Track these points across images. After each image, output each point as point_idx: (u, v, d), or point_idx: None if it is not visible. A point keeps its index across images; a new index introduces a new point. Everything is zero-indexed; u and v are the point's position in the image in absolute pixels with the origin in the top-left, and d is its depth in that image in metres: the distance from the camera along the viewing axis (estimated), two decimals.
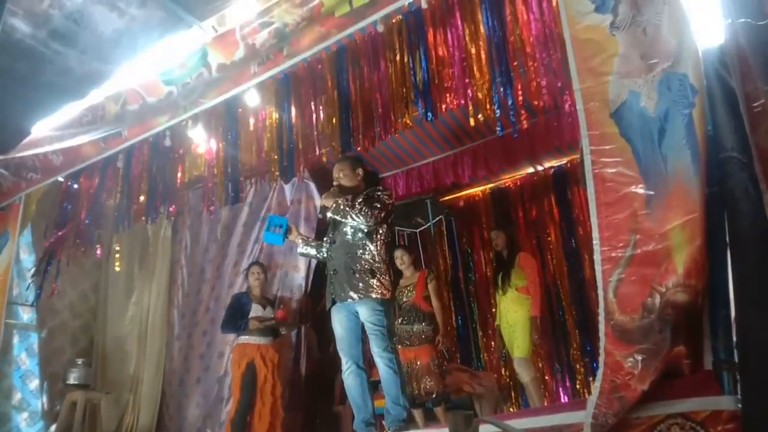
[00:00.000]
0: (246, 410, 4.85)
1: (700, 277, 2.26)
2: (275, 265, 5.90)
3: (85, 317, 6.51)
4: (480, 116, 3.68)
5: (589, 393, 2.43)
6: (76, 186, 5.57)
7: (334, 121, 4.21)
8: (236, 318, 5.02)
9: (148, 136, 4.71)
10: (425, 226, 6.65)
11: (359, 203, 3.55)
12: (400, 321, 5.00)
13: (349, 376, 3.60)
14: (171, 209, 5.27)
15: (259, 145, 4.64)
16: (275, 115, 4.54)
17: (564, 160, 6.11)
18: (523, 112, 3.68)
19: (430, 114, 3.79)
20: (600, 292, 2.41)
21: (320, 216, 5.89)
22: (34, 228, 5.84)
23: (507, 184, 6.62)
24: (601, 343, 2.38)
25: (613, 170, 2.46)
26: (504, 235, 5.25)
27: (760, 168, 2.20)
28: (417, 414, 4.90)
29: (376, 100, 4.06)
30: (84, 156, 5.00)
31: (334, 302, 3.63)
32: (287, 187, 6.06)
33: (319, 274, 5.99)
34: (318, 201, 5.95)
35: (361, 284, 3.49)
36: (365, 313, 3.51)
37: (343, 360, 3.65)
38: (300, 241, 4.03)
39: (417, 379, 4.78)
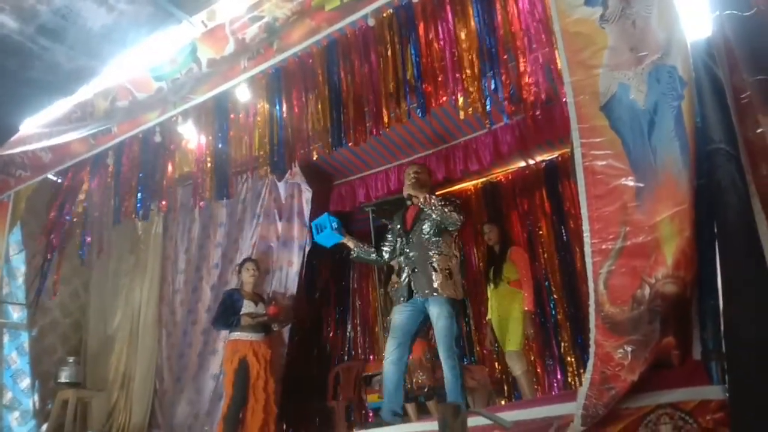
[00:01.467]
0: (239, 407, 4.85)
1: (688, 269, 2.28)
2: (271, 261, 5.90)
3: (76, 315, 6.48)
4: (471, 110, 3.69)
5: (581, 385, 2.43)
6: (66, 183, 5.54)
7: (325, 115, 4.21)
8: (228, 314, 5.01)
9: (138, 132, 4.69)
10: None
11: (451, 204, 3.65)
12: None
13: (390, 365, 3.67)
14: (161, 205, 5.25)
15: (249, 140, 4.64)
16: (266, 110, 4.53)
17: (555, 154, 6.12)
18: (513, 106, 3.69)
19: (421, 109, 3.80)
20: (590, 284, 2.43)
21: (307, 211, 5.89)
22: (23, 226, 5.80)
23: (499, 179, 6.63)
24: (592, 335, 2.39)
25: (603, 163, 2.47)
26: (497, 229, 5.26)
27: (747, 159, 2.22)
28: (410, 408, 4.90)
29: (367, 94, 4.07)
30: (73, 153, 4.97)
31: (410, 297, 3.70)
32: (281, 184, 6.05)
33: (312, 270, 6.00)
34: (307, 195, 5.94)
35: (439, 283, 3.57)
36: (436, 313, 3.58)
37: (390, 347, 3.72)
38: (352, 244, 4.09)
39: (409, 373, 4.78)
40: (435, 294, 3.58)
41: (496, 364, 6.13)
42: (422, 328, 3.91)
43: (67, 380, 5.73)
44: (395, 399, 3.66)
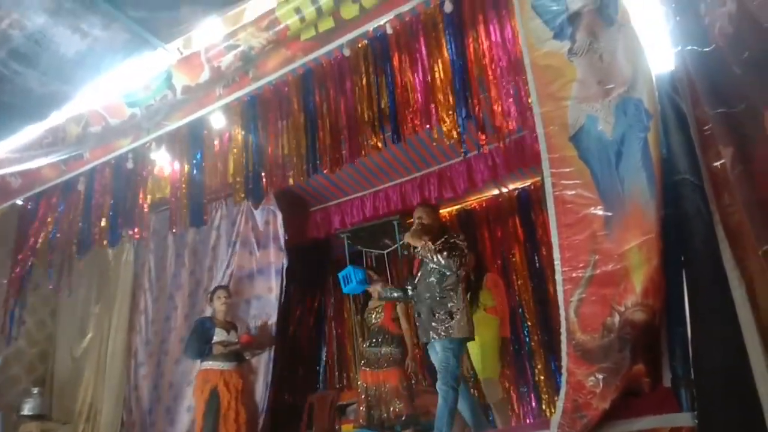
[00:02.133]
0: None
1: (657, 297, 2.32)
2: (249, 289, 5.84)
3: (42, 345, 6.29)
4: (445, 139, 3.74)
5: (554, 412, 2.44)
6: (35, 209, 5.43)
7: (300, 143, 4.22)
8: (200, 343, 4.93)
9: (110, 158, 4.65)
10: (392, 248, 6.66)
11: (446, 250, 3.70)
12: (368, 343, 4.97)
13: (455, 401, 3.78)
14: (134, 233, 5.18)
15: (224, 167, 4.62)
16: (241, 137, 4.53)
17: (528, 182, 6.21)
18: (486, 135, 3.75)
19: (396, 137, 3.84)
20: (562, 312, 2.46)
21: (286, 237, 5.87)
22: None
23: (473, 206, 6.69)
24: (564, 363, 2.41)
25: (573, 192, 2.52)
26: (472, 256, 5.28)
27: (711, 190, 2.28)
28: None
29: (343, 122, 4.10)
30: (44, 178, 4.89)
31: (426, 342, 3.90)
32: (257, 212, 6.01)
33: (288, 297, 5.94)
34: (280, 220, 5.91)
35: (439, 325, 3.72)
36: (438, 349, 3.75)
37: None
38: (380, 289, 4.30)
39: (386, 402, 4.73)
40: (434, 338, 3.75)
41: (473, 390, 6.10)
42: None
43: (31, 412, 5.54)
44: (479, 425, 3.88)
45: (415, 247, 3.90)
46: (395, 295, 4.25)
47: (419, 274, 3.95)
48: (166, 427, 5.62)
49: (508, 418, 4.89)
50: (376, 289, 4.35)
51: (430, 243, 3.75)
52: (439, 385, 3.71)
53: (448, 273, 3.75)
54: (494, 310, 4.87)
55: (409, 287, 4.07)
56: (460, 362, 3.79)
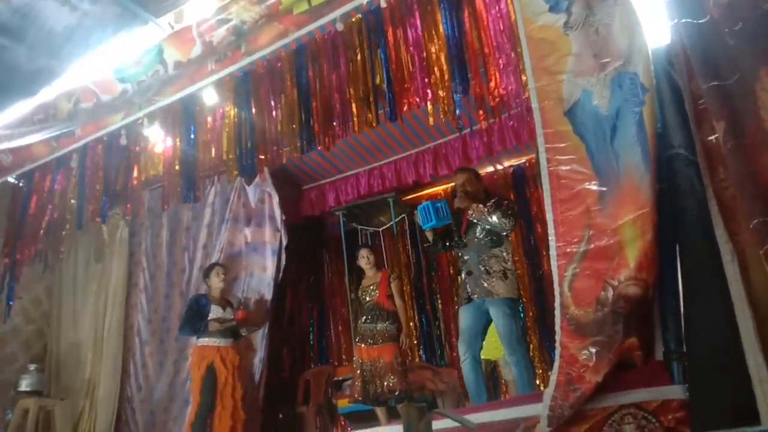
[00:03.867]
0: (206, 413, 4.78)
1: (650, 271, 2.33)
2: (241, 266, 5.84)
3: (39, 323, 6.30)
4: (440, 115, 3.71)
5: (547, 387, 2.47)
6: (26, 186, 5.40)
7: (294, 119, 4.18)
8: (195, 320, 4.95)
9: (102, 134, 4.61)
10: (387, 225, 6.66)
11: (499, 210, 3.75)
12: (363, 320, 4.99)
13: (466, 367, 3.84)
14: (127, 209, 5.16)
15: (217, 143, 4.58)
16: (234, 114, 4.48)
17: (523, 159, 6.20)
18: (481, 111, 3.73)
19: (391, 114, 3.81)
20: (556, 286, 2.47)
21: (283, 217, 5.87)
22: None
23: None
24: (557, 337, 2.43)
25: (567, 167, 2.52)
26: None
27: (705, 164, 2.28)
28: (380, 412, 4.90)
29: (336, 98, 4.06)
30: (35, 155, 4.86)
31: (469, 300, 3.87)
32: (249, 188, 5.99)
33: (284, 275, 5.95)
34: (276, 200, 5.90)
35: (494, 284, 3.73)
36: (495, 313, 3.75)
37: (462, 351, 3.90)
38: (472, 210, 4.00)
39: (380, 377, 4.77)
40: (491, 296, 3.75)
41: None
42: (486, 327, 4.01)
43: (28, 389, 5.57)
44: (478, 398, 3.81)
45: (463, 210, 3.89)
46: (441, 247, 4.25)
47: (466, 236, 3.96)
48: (166, 404, 5.68)
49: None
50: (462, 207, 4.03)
51: (481, 205, 3.79)
52: (507, 351, 3.75)
53: (503, 233, 3.80)
54: None
55: (457, 247, 4.06)
56: (519, 326, 3.85)
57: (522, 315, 3.82)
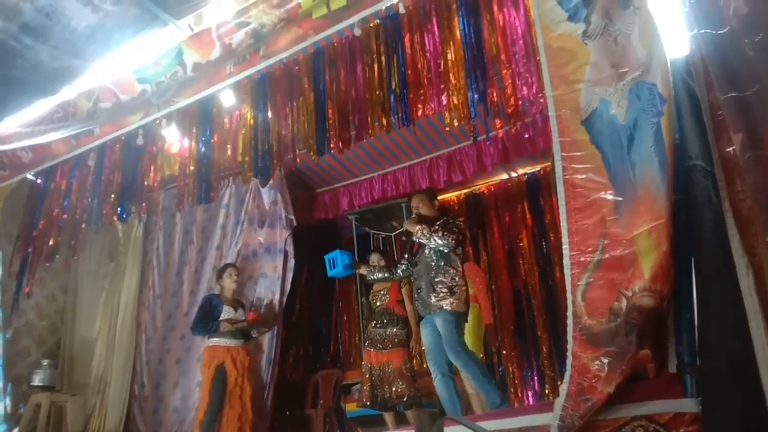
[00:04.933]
0: (215, 413, 4.79)
1: (665, 282, 2.31)
2: (254, 267, 5.87)
3: (52, 318, 6.36)
4: (455, 122, 3.72)
5: (557, 396, 2.45)
6: (45, 183, 5.47)
7: (310, 122, 4.21)
8: (207, 320, 4.97)
9: (120, 134, 4.66)
10: (399, 230, 6.67)
11: (441, 229, 3.90)
12: (373, 324, 5.00)
13: (437, 384, 3.99)
14: (142, 208, 5.21)
15: (233, 145, 4.62)
16: (250, 116, 4.53)
17: (537, 167, 6.19)
18: (497, 118, 3.73)
19: (406, 120, 3.83)
20: (569, 295, 2.45)
21: (291, 217, 5.88)
22: (0, 226, 5.69)
23: (481, 190, 6.68)
24: (569, 346, 2.41)
25: (583, 176, 2.51)
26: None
27: (722, 176, 2.26)
28: (388, 417, 4.89)
29: (352, 103, 4.08)
30: (54, 153, 4.91)
31: (422, 317, 4.10)
32: (264, 190, 6.03)
33: (295, 277, 5.98)
34: (287, 200, 5.93)
35: (440, 300, 3.87)
36: (439, 322, 3.88)
37: (431, 368, 4.05)
38: (366, 272, 4.46)
39: (389, 382, 4.78)
40: (435, 311, 3.89)
41: None
42: None
43: (41, 383, 5.61)
44: (453, 410, 3.88)
45: (412, 233, 4.04)
46: (379, 276, 4.44)
47: (418, 254, 4.12)
48: (177, 403, 5.70)
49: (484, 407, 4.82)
50: (361, 272, 4.51)
51: (425, 227, 3.93)
52: (451, 357, 3.84)
53: (445, 251, 3.92)
54: (473, 298, 4.83)
55: (402, 266, 4.31)
56: (461, 334, 3.90)
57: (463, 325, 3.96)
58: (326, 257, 4.43)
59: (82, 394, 6.03)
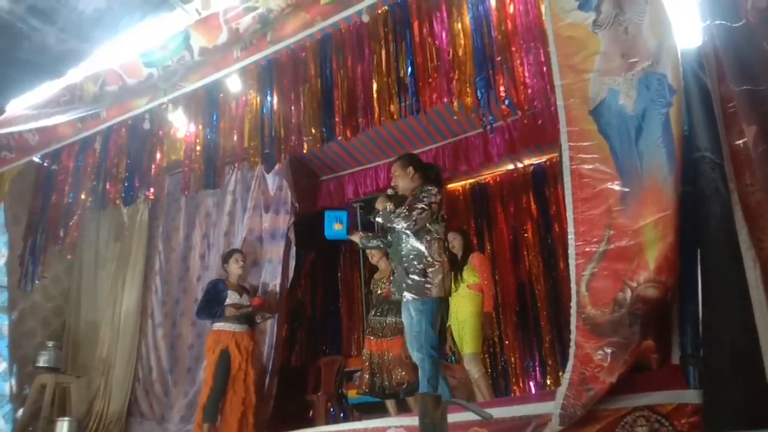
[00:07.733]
0: (218, 397, 4.83)
1: (670, 274, 2.31)
2: (260, 253, 5.88)
3: (58, 300, 6.40)
4: (462, 111, 3.70)
5: (559, 386, 2.46)
6: (51, 166, 5.48)
7: (316, 109, 4.20)
8: (212, 304, 4.99)
9: (126, 118, 4.65)
10: None
11: (403, 207, 3.57)
12: (374, 312, 5.02)
13: (424, 366, 3.61)
14: (148, 193, 5.22)
15: (239, 130, 4.61)
16: (257, 101, 4.51)
17: (543, 158, 6.16)
18: (504, 108, 3.71)
19: (414, 108, 3.81)
20: (573, 285, 2.46)
21: (296, 204, 5.90)
22: (7, 208, 5.72)
23: (487, 180, 6.66)
24: (572, 336, 2.42)
25: (590, 166, 2.50)
26: (460, 237, 5.21)
27: (731, 168, 2.25)
28: (389, 404, 4.92)
29: (359, 90, 4.06)
30: (60, 136, 4.91)
31: (399, 302, 3.79)
32: (269, 176, 6.03)
33: (298, 263, 5.99)
34: (291, 186, 5.93)
35: (413, 284, 3.56)
36: (410, 310, 3.60)
37: (410, 352, 3.79)
38: (358, 239, 4.16)
39: (388, 370, 4.79)
40: (405, 295, 3.61)
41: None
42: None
43: (46, 364, 5.66)
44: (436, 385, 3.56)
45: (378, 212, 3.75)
46: (374, 243, 4.15)
47: (392, 235, 3.80)
48: (187, 387, 5.75)
49: (491, 394, 4.85)
50: (353, 238, 4.18)
51: (388, 206, 3.64)
52: (412, 353, 3.61)
53: (410, 233, 3.59)
54: (477, 287, 4.84)
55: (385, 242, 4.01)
56: (435, 327, 3.58)
57: (437, 314, 3.67)
58: (328, 213, 4.16)
59: (86, 376, 6.08)
